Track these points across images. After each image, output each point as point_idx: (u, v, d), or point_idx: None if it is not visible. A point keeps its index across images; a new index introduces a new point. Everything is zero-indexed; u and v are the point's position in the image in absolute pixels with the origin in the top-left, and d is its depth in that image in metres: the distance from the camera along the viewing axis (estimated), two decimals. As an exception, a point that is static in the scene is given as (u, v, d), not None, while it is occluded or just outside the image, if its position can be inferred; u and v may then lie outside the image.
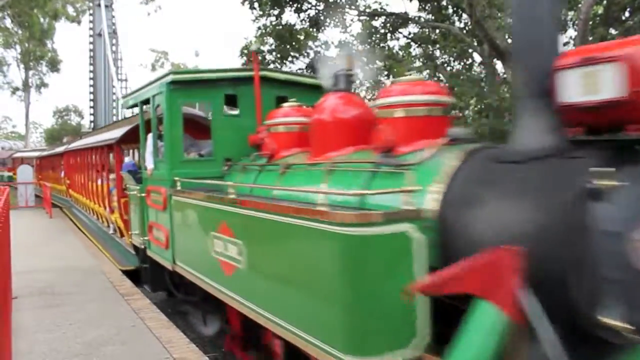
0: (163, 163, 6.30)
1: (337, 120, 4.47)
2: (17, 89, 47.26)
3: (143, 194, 7.16)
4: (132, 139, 10.31)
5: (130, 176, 8.21)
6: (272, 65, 17.84)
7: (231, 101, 6.40)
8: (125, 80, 48.76)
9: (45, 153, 27.54)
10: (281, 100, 6.18)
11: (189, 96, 6.27)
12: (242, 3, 17.31)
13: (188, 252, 5.69)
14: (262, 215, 3.86)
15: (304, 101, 5.66)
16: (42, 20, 43.42)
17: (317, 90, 6.54)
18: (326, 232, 3.07)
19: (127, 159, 11.40)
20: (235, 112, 6.53)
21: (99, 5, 48.76)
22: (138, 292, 7.81)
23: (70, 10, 46.08)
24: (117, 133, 11.03)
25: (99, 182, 12.88)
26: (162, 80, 6.13)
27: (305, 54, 19.89)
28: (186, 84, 6.04)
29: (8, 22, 42.21)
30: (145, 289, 7.92)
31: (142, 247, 7.46)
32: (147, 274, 7.63)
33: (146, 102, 6.94)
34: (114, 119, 41.40)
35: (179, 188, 5.79)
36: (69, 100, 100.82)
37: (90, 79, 50.91)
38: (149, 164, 6.88)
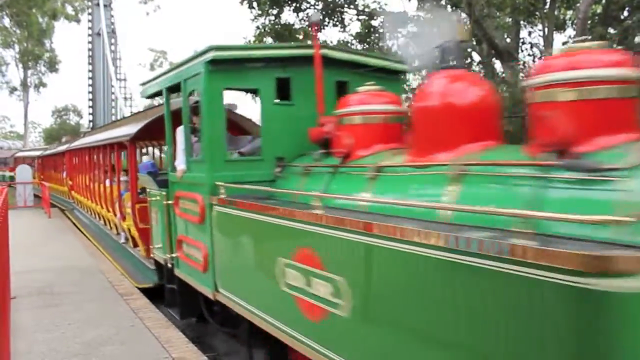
0: (200, 164, 5.10)
1: (453, 107, 3.24)
2: (14, 89, 47.19)
3: (170, 201, 5.93)
4: (146, 135, 9.16)
5: (152, 179, 6.89)
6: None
7: (281, 86, 5.07)
8: (124, 79, 48.68)
9: (47, 152, 26.43)
10: (342, 86, 5.13)
11: (232, 80, 4.93)
12: (241, 3, 17.26)
13: (238, 280, 4.52)
14: (393, 246, 2.62)
15: None
16: (40, 19, 43.37)
17: (388, 74, 5.30)
18: (532, 281, 1.90)
19: (145, 158, 9.64)
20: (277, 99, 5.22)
21: (98, 4, 48.70)
22: (137, 291, 7.58)
23: (69, 9, 46.02)
24: (131, 129, 9.35)
25: (108, 183, 11.47)
26: (199, 59, 4.87)
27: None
28: (230, 64, 4.80)
29: (6, 22, 42.20)
30: (171, 313, 6.56)
31: (169, 265, 6.20)
32: (175, 297, 6.29)
33: (174, 88, 5.76)
34: (113, 118, 41.33)
35: (223, 196, 4.60)
36: (67, 99, 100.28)
37: (89, 78, 50.78)
38: (180, 164, 5.61)
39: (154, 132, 8.50)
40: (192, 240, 5.41)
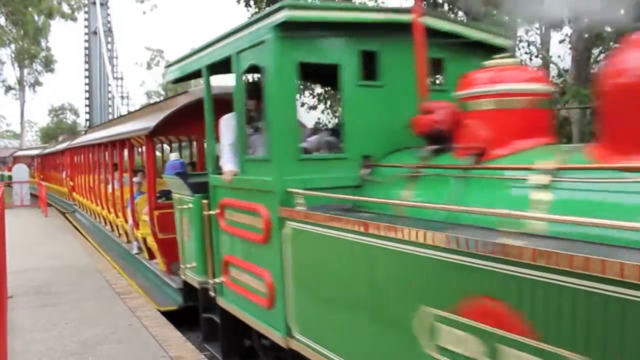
0: (262, 163, 3.95)
1: None
2: (10, 87, 47.09)
3: (213, 211, 4.72)
4: (165, 130, 7.92)
5: (183, 181, 5.70)
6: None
7: (365, 63, 3.92)
8: (121, 78, 48.70)
9: (47, 151, 25.78)
10: (436, 64, 4.13)
11: (308, 51, 3.73)
12: (238, 1, 17.25)
13: (331, 327, 3.26)
14: None
15: (471, 68, 3.41)
16: (36, 18, 43.30)
17: (488, 52, 3.98)
18: None
19: (172, 156, 7.87)
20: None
21: (94, 3, 48.67)
22: (134, 290, 7.53)
23: (65, 8, 45.94)
24: (147, 122, 7.82)
25: (117, 185, 10.19)
26: (264, 22, 3.69)
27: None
28: (305, 30, 3.65)
29: (2, 20, 42.06)
30: (211, 351, 5.44)
31: (212, 293, 4.98)
32: (215, 331, 5.21)
33: (219, 66, 4.61)
34: (110, 117, 41.29)
35: (301, 208, 3.44)
36: (64, 98, 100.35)
37: (86, 77, 50.82)
38: (227, 163, 4.46)
39: (172, 126, 7.61)
40: (248, 265, 4.22)
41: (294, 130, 3.76)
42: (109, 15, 50.04)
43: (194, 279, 5.46)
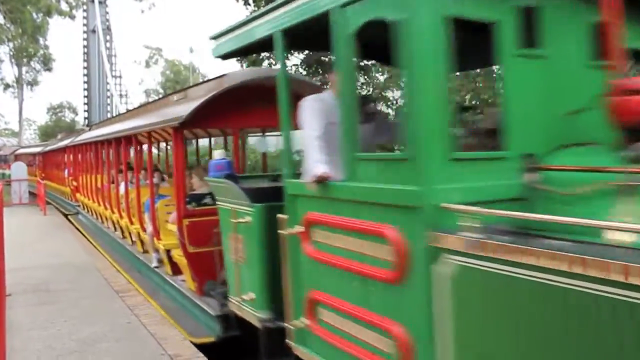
0: (390, 164, 2.75)
1: None
2: (8, 85, 46.98)
3: (296, 230, 3.35)
4: (193, 122, 6.07)
5: (236, 186, 4.44)
6: (266, 62, 14.91)
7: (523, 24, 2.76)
8: (120, 76, 48.67)
9: (48, 148, 24.78)
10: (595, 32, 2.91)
11: (456, 3, 2.52)
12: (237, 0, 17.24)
13: None
14: None
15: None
16: (34, 16, 43.21)
17: None
18: None
19: (217, 154, 6.00)
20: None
21: (93, 1, 48.62)
22: (132, 288, 7.50)
23: (64, 6, 45.91)
24: (175, 111, 6.40)
25: (131, 187, 8.99)
26: None
27: (300, 50, 19.59)
28: None
29: (0, 18, 42.02)
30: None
31: (290, 341, 3.60)
32: None
33: (299, 33, 3.33)
34: (108, 115, 41.21)
35: (473, 235, 2.14)
36: (62, 96, 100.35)
37: (84, 75, 50.73)
38: (317, 163, 3.18)
39: (203, 117, 5.99)
40: (358, 310, 2.91)
41: (446, 114, 2.49)
42: (107, 13, 49.93)
43: (253, 315, 4.22)
